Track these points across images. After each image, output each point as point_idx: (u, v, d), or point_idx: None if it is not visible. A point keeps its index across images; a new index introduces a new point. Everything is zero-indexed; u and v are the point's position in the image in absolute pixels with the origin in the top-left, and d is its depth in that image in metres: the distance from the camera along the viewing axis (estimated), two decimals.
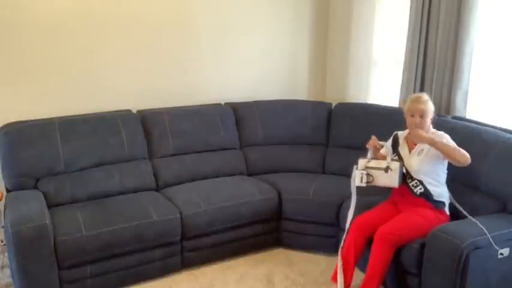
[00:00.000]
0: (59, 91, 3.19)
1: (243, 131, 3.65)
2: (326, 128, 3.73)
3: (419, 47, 3.24)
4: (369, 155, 2.64)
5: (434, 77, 3.22)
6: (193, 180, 3.30)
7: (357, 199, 2.67)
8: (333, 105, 3.82)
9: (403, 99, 3.20)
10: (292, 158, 3.62)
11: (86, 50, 3.23)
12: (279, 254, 3.18)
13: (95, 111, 3.22)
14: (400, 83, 3.44)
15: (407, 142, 2.70)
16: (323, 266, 3.01)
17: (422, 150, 2.58)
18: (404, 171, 2.62)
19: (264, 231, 3.17)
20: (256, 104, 3.75)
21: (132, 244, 2.67)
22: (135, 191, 3.09)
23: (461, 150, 2.44)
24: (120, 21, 3.30)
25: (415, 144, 2.64)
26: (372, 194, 2.75)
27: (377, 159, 2.65)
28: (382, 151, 2.72)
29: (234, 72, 3.85)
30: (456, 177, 2.71)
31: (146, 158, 3.27)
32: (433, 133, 2.59)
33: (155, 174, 3.23)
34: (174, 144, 3.34)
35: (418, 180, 2.58)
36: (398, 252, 2.45)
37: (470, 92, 3.07)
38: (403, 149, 2.69)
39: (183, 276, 2.89)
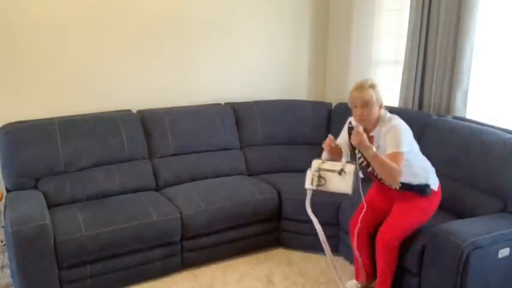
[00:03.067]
0: (59, 91, 3.19)
1: (243, 131, 3.65)
2: (326, 128, 3.73)
3: (419, 47, 3.24)
4: (324, 155, 2.39)
5: (434, 77, 3.22)
6: (193, 180, 3.30)
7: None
8: (333, 105, 3.83)
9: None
10: (292, 158, 3.62)
11: (86, 50, 3.23)
12: (279, 254, 3.18)
13: (95, 111, 3.22)
14: (400, 83, 3.45)
15: None
16: (323, 266, 3.01)
17: (379, 147, 2.31)
18: (371, 169, 2.42)
19: (264, 231, 3.17)
20: (256, 104, 3.75)
21: (132, 244, 2.67)
22: (135, 191, 3.09)
23: (392, 168, 2.17)
24: (120, 21, 3.30)
25: (372, 137, 2.35)
26: None
27: (333, 161, 2.37)
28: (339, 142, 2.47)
29: (234, 72, 3.85)
30: (456, 177, 2.71)
31: (146, 158, 3.27)
32: (389, 119, 2.32)
33: (155, 174, 3.23)
34: (174, 144, 3.34)
35: None
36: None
37: (470, 92, 3.07)
38: None
39: (183, 276, 2.89)
